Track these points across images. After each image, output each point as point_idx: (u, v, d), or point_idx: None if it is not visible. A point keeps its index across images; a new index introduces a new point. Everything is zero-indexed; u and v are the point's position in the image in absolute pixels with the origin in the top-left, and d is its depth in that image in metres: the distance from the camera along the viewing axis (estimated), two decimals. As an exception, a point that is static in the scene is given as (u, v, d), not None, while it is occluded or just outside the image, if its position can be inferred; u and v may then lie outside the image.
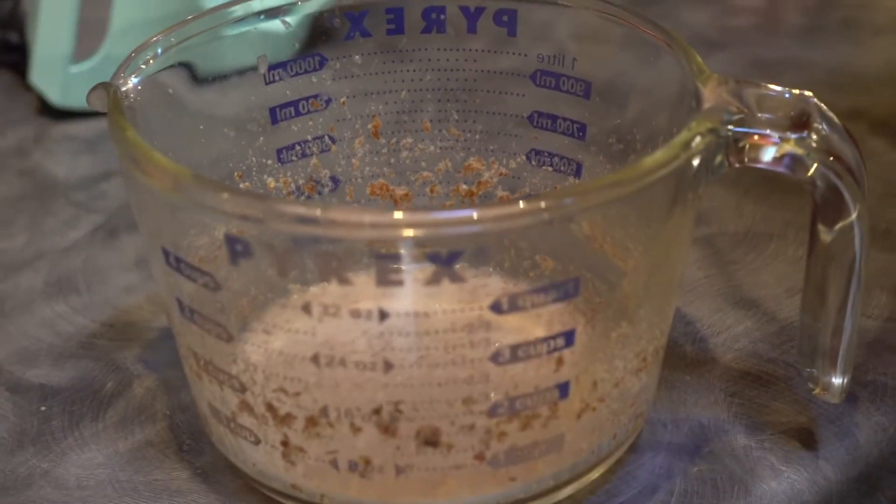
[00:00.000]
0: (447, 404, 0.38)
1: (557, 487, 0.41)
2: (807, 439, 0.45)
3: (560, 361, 0.39)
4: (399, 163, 0.52)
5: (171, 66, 0.43)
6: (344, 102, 0.50)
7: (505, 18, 0.49)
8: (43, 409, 0.48)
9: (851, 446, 0.45)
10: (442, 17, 0.49)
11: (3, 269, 0.57)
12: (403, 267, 0.35)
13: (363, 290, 0.35)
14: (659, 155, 0.36)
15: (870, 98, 0.70)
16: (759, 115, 0.39)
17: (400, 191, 0.52)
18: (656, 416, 0.46)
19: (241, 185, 0.48)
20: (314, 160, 0.50)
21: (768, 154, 0.39)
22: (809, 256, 0.42)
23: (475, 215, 0.34)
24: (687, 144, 0.37)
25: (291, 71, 0.49)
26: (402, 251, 0.34)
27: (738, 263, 0.56)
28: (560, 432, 0.40)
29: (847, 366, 0.43)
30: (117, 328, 0.53)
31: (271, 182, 0.49)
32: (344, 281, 0.35)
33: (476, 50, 0.50)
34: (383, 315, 0.36)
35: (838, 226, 0.40)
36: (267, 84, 0.48)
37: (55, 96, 0.69)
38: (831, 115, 0.40)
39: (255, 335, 0.41)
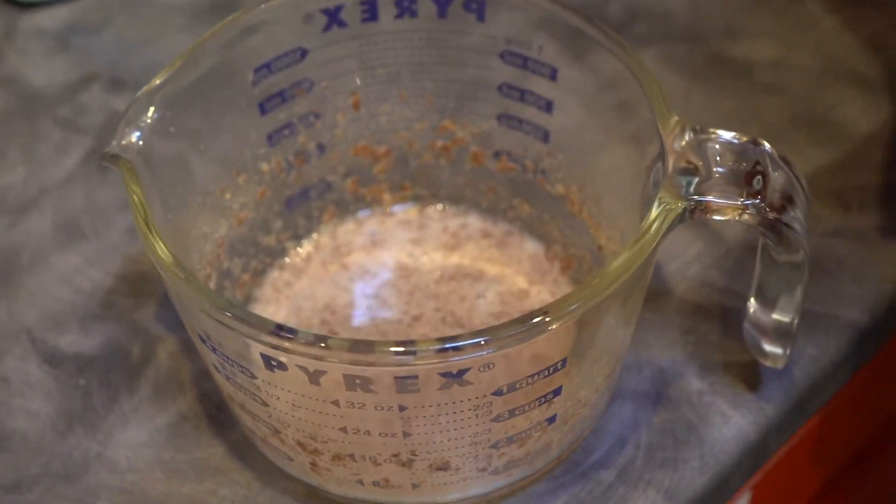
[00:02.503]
0: (456, 448, 0.44)
1: (548, 469, 0.49)
2: (751, 380, 0.53)
3: (550, 405, 0.45)
4: (379, 127, 0.56)
5: (165, 111, 0.46)
6: (326, 86, 0.53)
7: (474, 6, 0.51)
8: (82, 382, 0.54)
9: (788, 383, 0.53)
10: (414, 5, 0.52)
11: (11, 213, 0.61)
12: (419, 380, 0.40)
13: (385, 394, 0.41)
14: (624, 259, 0.41)
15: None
16: (715, 169, 0.44)
17: (381, 149, 0.57)
18: (623, 361, 0.53)
19: (239, 179, 0.52)
20: (302, 137, 0.54)
21: (725, 215, 0.44)
22: (760, 266, 0.48)
23: (482, 341, 0.39)
24: (651, 236, 0.42)
25: (274, 68, 0.52)
26: (419, 375, 0.40)
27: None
28: (550, 441, 0.47)
29: (792, 340, 0.49)
30: (131, 282, 0.58)
31: (265, 166, 0.53)
32: (367, 390, 0.41)
33: (446, 30, 0.53)
34: (402, 408, 0.42)
35: (787, 257, 0.45)
36: (254, 85, 0.51)
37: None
38: (781, 162, 0.44)
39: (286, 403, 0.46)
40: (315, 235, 0.57)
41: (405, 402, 0.41)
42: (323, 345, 0.39)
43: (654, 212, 0.42)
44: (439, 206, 0.58)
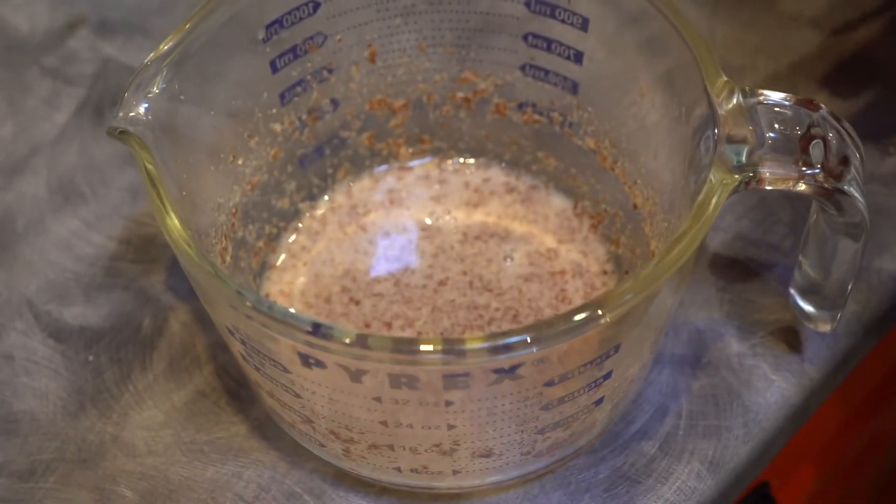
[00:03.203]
0: (501, 437, 0.42)
1: (589, 444, 0.47)
2: (792, 340, 0.51)
3: (599, 388, 0.43)
4: (396, 79, 0.52)
5: (174, 78, 0.43)
6: (340, 39, 0.50)
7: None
8: (91, 358, 0.52)
9: (831, 342, 0.51)
10: (433, -48, 0.48)
11: (2, 174, 0.58)
12: (469, 377, 0.38)
13: (431, 391, 0.39)
14: (681, 245, 0.38)
15: None
16: (768, 135, 0.41)
17: (398, 102, 0.53)
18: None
19: (251, 142, 0.49)
20: (315, 93, 0.51)
21: (779, 186, 0.41)
22: (812, 229, 0.45)
23: (530, 338, 0.37)
24: (709, 215, 0.39)
25: (287, 23, 0.48)
26: (470, 373, 0.38)
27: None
28: (595, 420, 0.45)
29: (844, 304, 0.47)
30: (136, 246, 0.55)
31: (277, 127, 0.50)
32: (413, 388, 0.38)
33: (467, -22, 0.49)
34: (449, 403, 0.39)
35: (843, 219, 0.43)
36: (265, 42, 0.48)
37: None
38: (837, 123, 0.42)
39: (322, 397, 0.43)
40: (330, 194, 0.54)
41: (452, 397, 0.39)
42: (364, 346, 0.36)
43: (709, 187, 0.40)
44: (460, 160, 0.55)
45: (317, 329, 0.37)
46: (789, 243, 0.53)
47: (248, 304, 0.37)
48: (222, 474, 0.48)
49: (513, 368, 0.38)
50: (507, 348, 0.36)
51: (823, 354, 0.51)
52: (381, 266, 0.52)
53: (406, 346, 0.37)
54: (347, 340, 0.36)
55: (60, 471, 0.48)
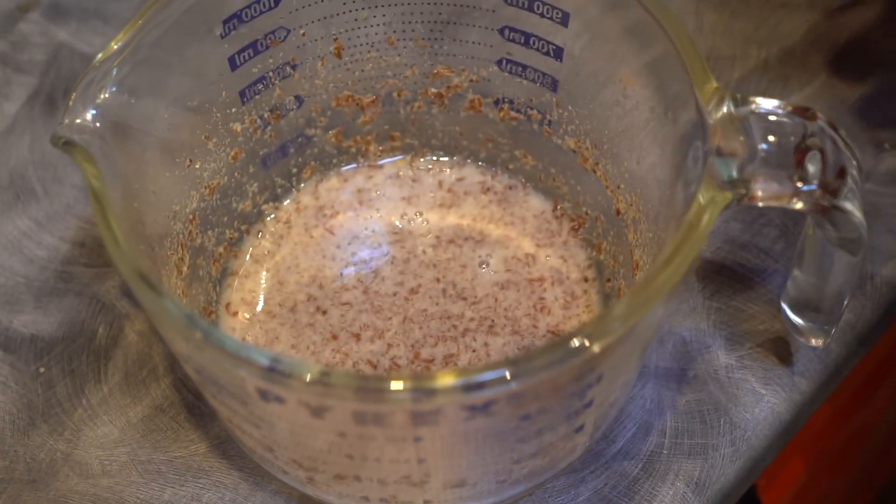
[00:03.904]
0: (474, 468, 0.40)
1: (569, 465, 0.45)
2: (782, 351, 0.48)
3: (579, 417, 0.40)
4: (364, 74, 0.49)
5: (125, 78, 0.40)
6: (304, 33, 0.47)
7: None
8: (42, 370, 0.49)
9: (823, 353, 0.48)
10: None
11: (-51, 169, 0.55)
12: (439, 414, 0.35)
13: (399, 428, 0.36)
14: (671, 268, 0.36)
15: None
16: (760, 146, 0.38)
17: (366, 98, 0.50)
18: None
19: (209, 144, 0.46)
20: (277, 91, 0.48)
21: (772, 203, 0.38)
22: (806, 242, 0.42)
23: (507, 374, 0.34)
24: (700, 233, 0.36)
25: (246, 17, 0.45)
26: (439, 411, 0.35)
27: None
28: (575, 445, 0.42)
29: (839, 318, 0.44)
30: (90, 248, 0.52)
31: (237, 127, 0.47)
32: (380, 424, 0.36)
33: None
34: (418, 439, 0.37)
35: (840, 234, 0.40)
36: (223, 38, 0.45)
37: None
38: (834, 133, 0.39)
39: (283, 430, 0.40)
40: (295, 194, 0.51)
41: (422, 433, 0.36)
42: (326, 384, 0.34)
43: (698, 204, 0.37)
44: (433, 158, 0.52)
45: (274, 365, 0.34)
46: (780, 247, 0.51)
47: (198, 335, 0.35)
48: (181, 497, 0.45)
49: (486, 405, 0.35)
50: (482, 386, 0.34)
51: (815, 367, 0.48)
52: (350, 272, 0.49)
53: (371, 385, 0.34)
54: (308, 378, 0.34)
55: (9, 492, 0.46)
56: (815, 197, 0.38)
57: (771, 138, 0.39)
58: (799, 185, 0.38)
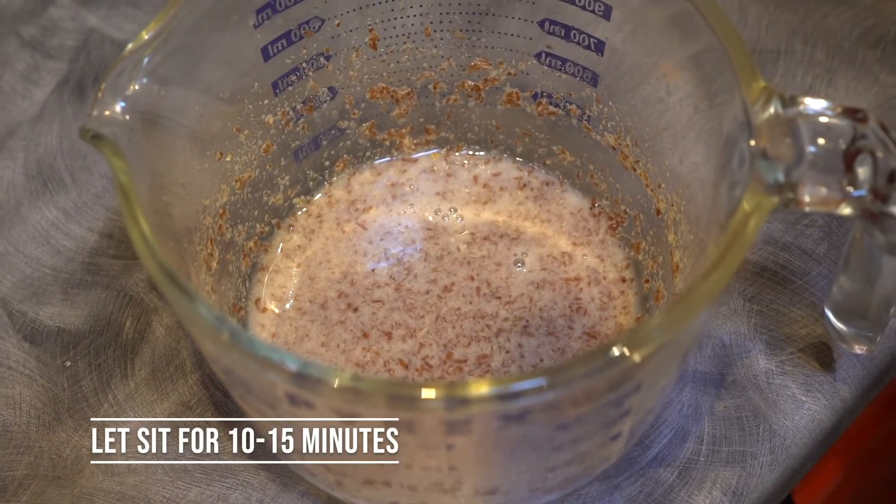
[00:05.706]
0: (507, 476, 0.39)
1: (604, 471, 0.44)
2: (824, 357, 0.47)
3: (616, 425, 0.39)
4: (400, 66, 0.48)
5: (155, 71, 0.39)
6: (339, 24, 0.46)
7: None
8: (68, 364, 0.48)
9: (866, 359, 0.47)
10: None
11: (-24, 156, 0.54)
12: (472, 423, 0.34)
13: (431, 436, 0.35)
14: (716, 275, 0.34)
15: None
16: (808, 149, 0.37)
17: (402, 91, 0.49)
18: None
19: (241, 137, 0.45)
20: (311, 82, 0.47)
21: (820, 208, 0.37)
22: (854, 247, 0.41)
23: (545, 383, 0.33)
24: (746, 240, 0.35)
25: (280, 6, 0.44)
26: (473, 420, 0.34)
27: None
28: (610, 453, 0.41)
29: (885, 324, 0.43)
30: (118, 240, 0.51)
31: (269, 119, 0.46)
32: (411, 432, 0.35)
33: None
34: (451, 447, 0.36)
35: (890, 239, 0.39)
36: (256, 28, 0.44)
37: None
38: (886, 136, 0.37)
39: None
40: (327, 188, 0.50)
41: (454, 441, 0.35)
42: (357, 392, 0.33)
43: (743, 210, 0.35)
44: (468, 152, 0.51)
45: (303, 371, 0.33)
46: (823, 248, 0.49)
47: (225, 336, 0.34)
48: (207, 496, 0.45)
49: (522, 415, 0.34)
50: (518, 395, 0.32)
51: (857, 373, 0.47)
52: (382, 269, 0.48)
53: (403, 392, 0.33)
54: (337, 385, 0.32)
55: (33, 488, 0.45)
56: (864, 203, 0.37)
57: (820, 141, 0.37)
58: (848, 190, 0.36)
